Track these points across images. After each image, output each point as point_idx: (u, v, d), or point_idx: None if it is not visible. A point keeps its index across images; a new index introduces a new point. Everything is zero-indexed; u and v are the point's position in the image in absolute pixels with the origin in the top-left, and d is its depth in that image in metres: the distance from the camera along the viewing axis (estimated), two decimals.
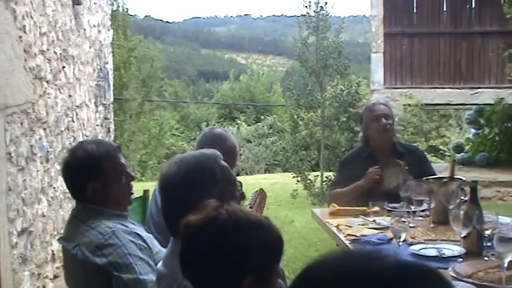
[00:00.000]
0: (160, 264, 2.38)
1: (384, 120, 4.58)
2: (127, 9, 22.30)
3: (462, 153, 12.25)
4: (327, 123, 11.66)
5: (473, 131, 12.83)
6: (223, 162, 2.45)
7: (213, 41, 79.31)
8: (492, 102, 11.33)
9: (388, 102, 4.95)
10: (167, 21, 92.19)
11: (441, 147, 14.63)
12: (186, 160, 2.43)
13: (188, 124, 30.98)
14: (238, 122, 25.77)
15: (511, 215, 3.78)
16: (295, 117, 12.57)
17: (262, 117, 25.32)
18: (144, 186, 4.48)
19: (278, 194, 11.21)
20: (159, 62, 26.18)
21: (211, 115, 30.46)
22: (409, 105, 11.39)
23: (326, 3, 11.82)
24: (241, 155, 17.82)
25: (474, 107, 12.14)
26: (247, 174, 17.20)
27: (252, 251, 1.78)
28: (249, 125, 25.31)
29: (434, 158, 12.79)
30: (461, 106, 12.89)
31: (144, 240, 2.70)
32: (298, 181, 11.44)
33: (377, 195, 4.20)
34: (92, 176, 2.72)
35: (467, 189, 3.69)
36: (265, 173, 18.69)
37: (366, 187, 4.43)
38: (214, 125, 17.43)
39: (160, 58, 27.66)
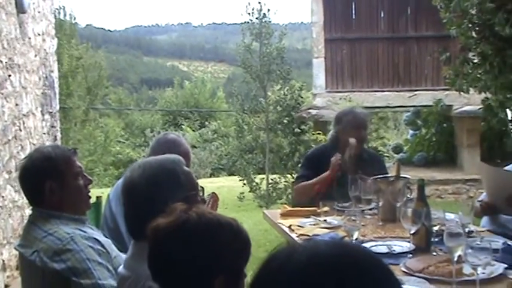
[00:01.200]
0: (121, 267, 2.34)
1: (363, 132, 4.66)
2: (74, 18, 22.02)
3: (401, 154, 12.51)
4: (271, 127, 11.73)
5: (411, 132, 13.10)
6: (185, 167, 2.44)
7: (155, 49, 78.89)
8: (429, 103, 11.58)
9: (366, 113, 4.99)
10: (109, 30, 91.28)
11: (380, 148, 14.83)
12: (150, 164, 2.40)
13: (133, 131, 30.67)
14: (183, 127, 25.70)
15: (451, 211, 3.84)
16: (240, 121, 12.62)
17: (207, 122, 25.33)
18: (95, 193, 4.42)
19: (225, 197, 11.18)
20: (105, 70, 25.88)
21: (156, 122, 30.25)
22: None
23: (268, 10, 11.94)
24: (190, 161, 17.76)
25: (412, 108, 12.40)
26: None
27: (224, 251, 1.77)
28: (193, 131, 25.27)
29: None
30: (399, 108, 13.13)
31: (102, 245, 2.65)
32: (244, 184, 11.46)
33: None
34: (49, 175, 2.66)
35: (412, 187, 3.75)
36: (210, 177, 18.68)
37: (332, 176, 4.46)
38: (159, 132, 17.32)
39: (105, 66, 27.35)
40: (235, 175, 12.96)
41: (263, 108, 11.82)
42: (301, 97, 11.83)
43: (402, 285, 2.50)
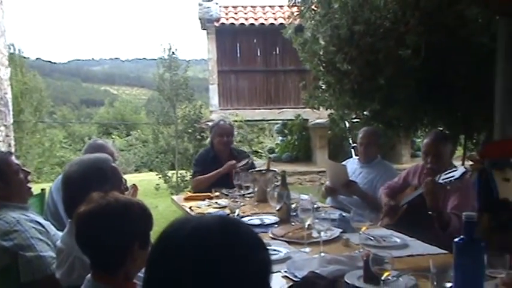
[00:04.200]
0: (59, 242, 2.25)
1: (225, 138, 4.68)
2: (22, 52, 20.98)
3: (274, 154, 12.69)
4: (180, 135, 11.61)
5: (280, 138, 13.34)
6: (113, 164, 2.38)
7: (91, 77, 75.96)
8: (292, 118, 11.84)
9: (231, 122, 5.02)
10: (54, 62, 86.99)
11: (260, 150, 15.02)
12: (84, 162, 2.32)
13: (74, 139, 29.49)
14: (113, 136, 24.98)
15: (306, 193, 3.93)
16: (156, 131, 12.49)
17: (131, 132, 24.68)
18: (41, 187, 4.22)
19: (145, 188, 10.94)
20: (46, 92, 24.73)
21: (93, 132, 29.25)
22: (235, 121, 11.61)
23: (176, 49, 11.89)
24: (117, 160, 17.25)
25: (280, 121, 12.63)
26: None
27: (138, 224, 1.76)
28: (121, 138, 24.61)
29: (256, 157, 13.11)
30: (272, 121, 13.34)
31: (43, 226, 2.56)
32: (159, 177, 11.29)
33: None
34: None
35: (279, 177, 3.82)
36: (135, 172, 18.22)
37: (223, 172, 4.51)
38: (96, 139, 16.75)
39: (47, 90, 26.14)
40: (153, 171, 12.73)
41: (173, 121, 11.70)
42: (201, 113, 11.77)
43: (269, 246, 2.55)
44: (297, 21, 6.78)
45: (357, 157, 4.50)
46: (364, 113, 6.83)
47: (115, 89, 70.22)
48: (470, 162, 5.71)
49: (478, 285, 1.71)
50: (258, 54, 12.28)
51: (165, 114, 11.84)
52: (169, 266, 1.05)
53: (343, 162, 4.47)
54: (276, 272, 2.33)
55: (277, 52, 12.14)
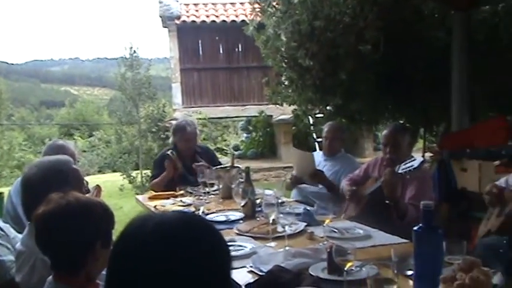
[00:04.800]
0: (18, 244, 2.20)
1: (190, 143, 4.62)
2: None
3: (239, 151, 12.69)
4: (143, 134, 11.50)
5: (245, 135, 13.33)
6: (74, 166, 2.34)
7: (51, 78, 74.17)
8: (256, 114, 11.86)
9: (195, 122, 4.96)
10: (11, 63, 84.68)
11: (224, 147, 15.00)
12: (44, 164, 2.27)
13: (34, 141, 28.75)
14: (75, 137, 24.51)
15: (271, 188, 3.94)
16: (119, 131, 12.33)
17: (94, 132, 24.25)
18: (0, 190, 4.11)
19: (109, 189, 10.77)
20: (5, 94, 23.99)
21: (53, 133, 28.62)
22: (199, 119, 11.57)
23: (137, 48, 11.78)
24: (78, 161, 16.94)
25: (244, 118, 12.64)
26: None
27: (99, 223, 1.74)
28: (83, 139, 24.17)
29: (221, 155, 13.09)
30: (236, 118, 13.34)
31: (2, 229, 2.49)
32: (123, 178, 11.15)
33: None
34: None
35: (243, 174, 3.82)
36: (98, 173, 17.91)
37: (169, 175, 4.47)
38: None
39: (6, 92, 25.34)
40: (117, 171, 12.56)
41: (136, 120, 11.57)
42: (165, 112, 11.69)
43: (234, 242, 2.54)
44: (258, 18, 6.80)
45: (321, 151, 4.55)
46: (327, 107, 6.91)
47: (76, 90, 68.83)
48: (431, 154, 5.86)
49: (437, 272, 1.75)
50: (221, 52, 12.23)
51: (128, 113, 11.71)
52: (132, 263, 1.04)
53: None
54: (241, 267, 2.34)
55: (240, 49, 12.13)
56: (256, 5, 6.68)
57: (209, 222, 1.22)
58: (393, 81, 5.75)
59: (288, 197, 4.22)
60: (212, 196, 3.98)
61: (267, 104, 10.33)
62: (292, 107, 8.09)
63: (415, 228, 1.86)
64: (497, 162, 4.25)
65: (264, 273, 2.17)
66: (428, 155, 6.20)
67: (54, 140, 4.10)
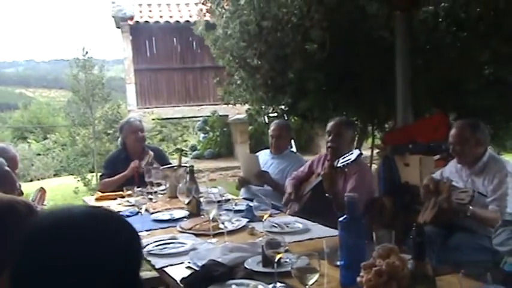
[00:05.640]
0: None
1: (139, 134, 4.62)
2: None
3: (196, 151, 12.69)
4: (98, 136, 11.33)
5: (202, 135, 13.34)
6: (6, 168, 2.31)
7: (4, 80, 71.84)
8: (210, 115, 11.87)
9: (141, 119, 4.96)
10: None
11: (184, 148, 14.95)
12: None
13: None
14: (29, 140, 23.86)
15: (216, 186, 3.95)
16: (73, 133, 12.09)
17: (48, 135, 23.67)
18: None
19: (64, 192, 10.64)
20: None
21: (6, 136, 27.73)
22: (152, 119, 11.50)
23: (90, 49, 11.57)
24: (32, 165, 16.59)
25: (201, 118, 12.63)
26: (38, 180, 15.96)
27: (23, 223, 1.68)
28: (38, 142, 23.54)
29: (182, 156, 13.05)
30: (192, 118, 13.31)
31: None
32: (78, 180, 10.96)
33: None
34: None
35: (188, 172, 3.83)
36: (54, 177, 17.52)
37: (129, 175, 4.45)
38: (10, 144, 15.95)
39: None
40: (73, 174, 12.32)
41: (90, 122, 11.38)
42: (119, 113, 11.53)
43: (175, 240, 2.54)
44: (207, 18, 6.82)
45: (269, 149, 4.62)
46: (280, 106, 6.98)
47: (31, 92, 66.85)
48: (377, 150, 6.01)
49: (361, 259, 1.83)
50: (175, 52, 12.20)
51: (82, 115, 11.49)
52: (28, 263, 1.00)
53: (256, 154, 4.58)
54: (179, 263, 2.38)
55: (194, 49, 12.12)
56: (203, 6, 6.70)
57: (120, 216, 1.15)
58: (341, 80, 5.87)
59: (238, 195, 4.29)
60: (160, 195, 4.00)
61: (222, 104, 10.36)
62: (247, 107, 8.12)
63: (340, 219, 1.94)
64: (437, 157, 4.41)
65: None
66: (376, 151, 6.35)
67: None
